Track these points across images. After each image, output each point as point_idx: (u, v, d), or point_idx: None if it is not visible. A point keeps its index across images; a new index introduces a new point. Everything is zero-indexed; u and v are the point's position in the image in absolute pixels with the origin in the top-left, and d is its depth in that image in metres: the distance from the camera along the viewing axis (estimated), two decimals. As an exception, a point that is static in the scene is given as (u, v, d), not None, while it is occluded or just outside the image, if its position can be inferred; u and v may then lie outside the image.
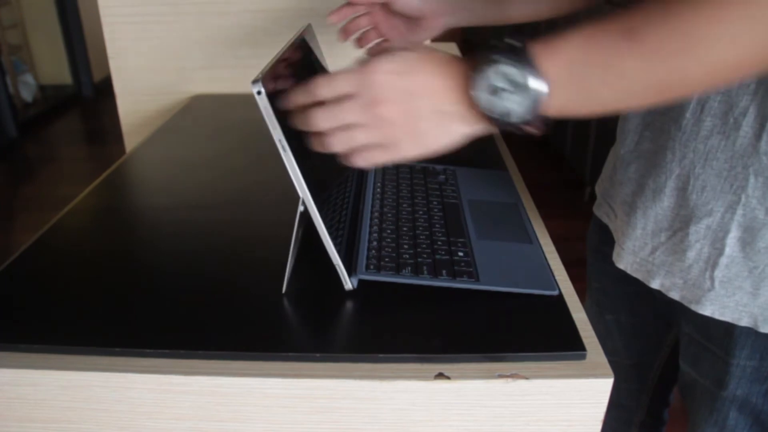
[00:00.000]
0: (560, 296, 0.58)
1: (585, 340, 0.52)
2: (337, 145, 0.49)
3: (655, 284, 0.63)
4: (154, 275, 0.62)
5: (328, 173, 0.65)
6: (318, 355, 0.51)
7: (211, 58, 1.26)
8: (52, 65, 4.23)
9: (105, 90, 4.34)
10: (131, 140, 1.32)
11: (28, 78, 3.95)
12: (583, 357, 0.51)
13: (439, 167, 0.82)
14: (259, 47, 1.24)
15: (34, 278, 0.62)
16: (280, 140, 0.51)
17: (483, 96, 0.44)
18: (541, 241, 0.67)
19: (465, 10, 0.73)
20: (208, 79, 1.28)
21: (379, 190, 0.74)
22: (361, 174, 0.79)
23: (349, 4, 0.73)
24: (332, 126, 0.48)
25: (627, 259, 0.65)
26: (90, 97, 4.38)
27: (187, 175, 0.88)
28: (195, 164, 0.92)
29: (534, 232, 0.68)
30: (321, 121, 0.48)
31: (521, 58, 0.42)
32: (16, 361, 0.51)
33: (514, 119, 0.44)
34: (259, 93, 0.49)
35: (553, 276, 0.60)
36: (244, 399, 0.51)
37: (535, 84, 0.42)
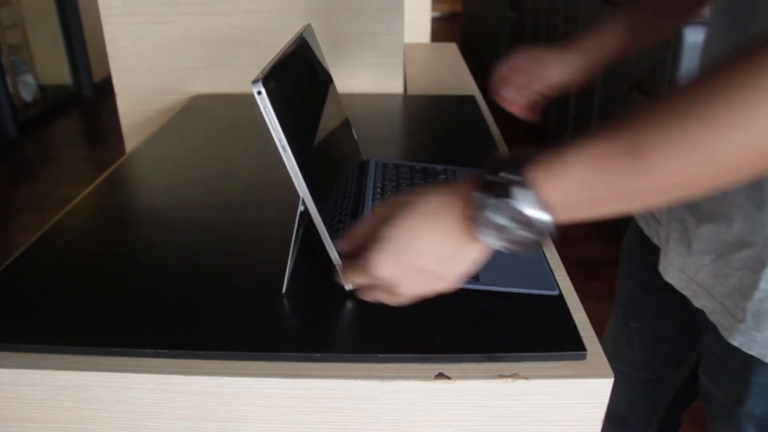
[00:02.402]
0: (560, 296, 0.58)
1: (585, 340, 0.52)
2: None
3: (698, 304, 0.62)
4: (154, 275, 0.62)
5: (328, 173, 0.65)
6: (318, 355, 0.51)
7: (211, 58, 1.26)
8: (52, 65, 4.23)
9: (105, 90, 4.34)
10: (131, 140, 1.32)
11: (28, 78, 3.95)
12: (583, 357, 0.51)
13: (439, 167, 0.82)
14: (259, 47, 1.24)
15: (34, 278, 0.62)
16: (280, 140, 0.51)
17: (491, 239, 0.43)
18: (541, 241, 0.67)
19: (600, 55, 0.73)
20: (208, 79, 1.28)
21: (379, 190, 0.74)
22: (362, 174, 0.79)
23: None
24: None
25: (674, 275, 0.65)
26: (90, 97, 4.38)
27: (187, 175, 0.88)
28: (195, 164, 0.92)
29: (534, 232, 0.68)
30: (371, 297, 0.51)
31: (522, 194, 0.40)
32: (16, 361, 0.51)
33: (525, 244, 0.43)
34: (259, 93, 0.49)
35: (554, 276, 0.60)
36: (244, 399, 0.51)
37: (540, 216, 0.41)
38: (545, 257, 0.63)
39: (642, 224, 0.75)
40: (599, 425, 0.52)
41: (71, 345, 0.52)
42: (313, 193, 0.54)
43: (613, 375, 0.50)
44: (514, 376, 0.49)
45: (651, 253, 0.70)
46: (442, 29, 6.67)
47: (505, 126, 1.07)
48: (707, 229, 0.59)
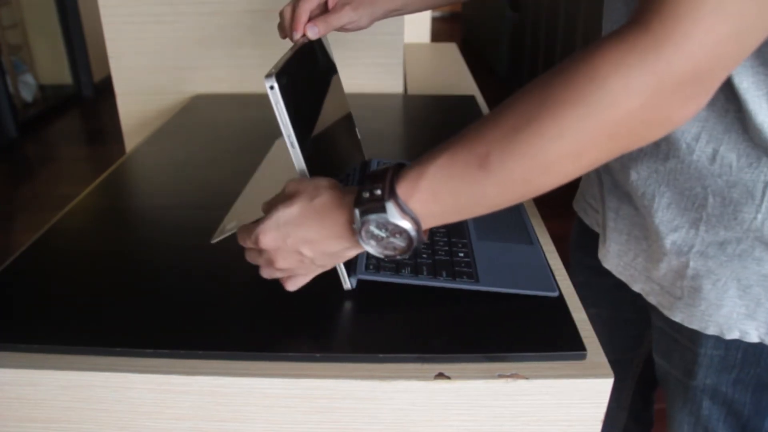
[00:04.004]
0: (560, 296, 0.58)
1: (585, 340, 0.52)
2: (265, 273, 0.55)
3: (636, 288, 0.65)
4: (154, 275, 0.62)
5: (331, 171, 0.65)
6: (318, 355, 0.51)
7: (211, 58, 1.26)
8: (52, 65, 4.23)
9: (105, 90, 4.34)
10: (131, 140, 1.32)
11: (28, 78, 3.95)
12: (583, 357, 0.51)
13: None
14: (259, 47, 1.24)
15: (34, 278, 0.62)
16: (289, 136, 0.51)
17: (371, 247, 0.49)
18: (542, 241, 0.67)
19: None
20: (208, 79, 1.28)
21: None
22: (363, 174, 0.79)
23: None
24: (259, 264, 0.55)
25: (612, 262, 0.67)
26: (90, 97, 4.38)
27: (187, 175, 0.88)
28: (195, 164, 0.92)
29: (534, 232, 0.68)
30: (251, 260, 0.56)
31: (389, 208, 0.46)
32: (16, 361, 0.51)
33: (399, 250, 0.49)
34: (272, 88, 0.48)
35: (554, 276, 0.60)
36: (244, 399, 0.51)
37: (409, 225, 0.46)
38: (546, 258, 0.63)
39: (581, 214, 0.77)
40: (599, 425, 0.52)
41: (71, 345, 0.52)
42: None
43: (613, 375, 0.50)
44: (514, 376, 0.49)
45: (594, 240, 0.72)
46: (442, 29, 6.67)
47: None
48: (638, 216, 0.62)
